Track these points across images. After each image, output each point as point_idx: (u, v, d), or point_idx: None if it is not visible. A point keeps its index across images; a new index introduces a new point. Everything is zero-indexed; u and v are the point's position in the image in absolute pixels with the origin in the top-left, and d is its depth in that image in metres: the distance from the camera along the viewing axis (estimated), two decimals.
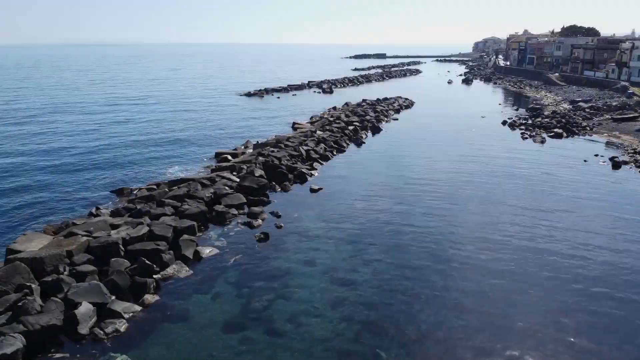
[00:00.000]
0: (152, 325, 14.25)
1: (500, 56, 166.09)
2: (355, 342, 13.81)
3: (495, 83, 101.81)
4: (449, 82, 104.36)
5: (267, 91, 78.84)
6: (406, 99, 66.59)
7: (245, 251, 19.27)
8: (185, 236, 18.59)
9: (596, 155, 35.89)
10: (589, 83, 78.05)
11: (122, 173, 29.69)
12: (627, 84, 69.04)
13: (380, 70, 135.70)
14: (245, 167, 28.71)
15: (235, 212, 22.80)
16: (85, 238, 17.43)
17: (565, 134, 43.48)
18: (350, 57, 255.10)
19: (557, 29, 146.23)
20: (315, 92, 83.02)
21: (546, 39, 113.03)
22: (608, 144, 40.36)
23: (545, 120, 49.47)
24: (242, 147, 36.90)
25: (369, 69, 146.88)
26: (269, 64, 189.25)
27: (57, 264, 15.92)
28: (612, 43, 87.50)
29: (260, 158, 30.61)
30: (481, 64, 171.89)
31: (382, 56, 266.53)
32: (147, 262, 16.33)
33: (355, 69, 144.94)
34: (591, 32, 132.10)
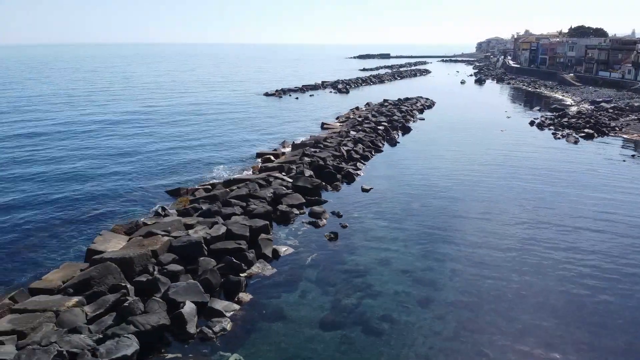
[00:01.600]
0: (252, 323, 14.31)
1: (509, 56, 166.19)
2: (456, 340, 13.87)
3: (508, 83, 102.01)
4: (462, 82, 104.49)
5: (284, 91, 78.92)
6: (427, 98, 66.72)
7: (319, 250, 19.34)
8: (263, 235, 18.65)
9: (632, 155, 36.09)
10: (605, 84, 78.25)
11: (171, 174, 29.68)
12: None
13: (390, 71, 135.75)
14: (294, 167, 28.75)
15: (297, 211, 22.86)
16: (166, 237, 17.47)
17: (596, 134, 43.57)
18: (354, 57, 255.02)
19: (564, 30, 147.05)
20: (331, 92, 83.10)
21: (558, 39, 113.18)
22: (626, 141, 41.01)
23: (572, 120, 49.59)
24: (281, 147, 36.97)
25: (377, 69, 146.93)
26: (273, 64, 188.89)
27: (146, 264, 15.97)
28: (627, 44, 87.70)
29: (306, 158, 30.66)
30: (489, 64, 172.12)
31: (386, 56, 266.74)
32: (235, 260, 16.39)
33: (364, 69, 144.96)
34: (599, 32, 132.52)
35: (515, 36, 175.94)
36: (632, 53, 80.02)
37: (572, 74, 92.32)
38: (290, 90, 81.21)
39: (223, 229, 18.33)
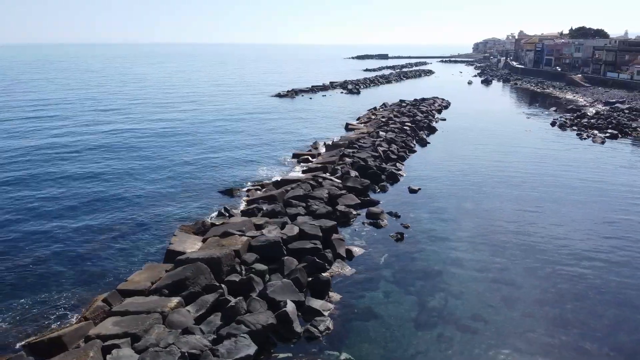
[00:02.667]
0: (349, 322, 14.46)
1: (510, 57, 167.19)
2: (551, 337, 14.09)
3: (515, 84, 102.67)
4: (469, 82, 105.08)
5: (296, 92, 79.03)
6: (443, 99, 67.13)
7: (388, 250, 19.50)
8: (335, 235, 18.79)
9: None
10: (615, 84, 79.08)
11: (217, 176, 29.48)
12: None
13: (394, 71, 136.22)
14: (338, 168, 28.89)
15: (354, 212, 23.01)
16: (245, 237, 17.56)
17: (619, 135, 44.07)
18: (353, 58, 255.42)
19: (565, 30, 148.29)
20: (341, 92, 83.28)
21: (562, 40, 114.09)
22: None
23: (593, 121, 50.11)
24: (313, 149, 37.08)
25: (379, 69, 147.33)
26: (277, 65, 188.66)
27: (232, 264, 16.06)
28: (634, 45, 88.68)
29: (347, 159, 30.83)
30: (490, 65, 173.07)
31: (384, 57, 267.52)
32: (317, 260, 16.52)
33: (367, 69, 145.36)
34: (600, 33, 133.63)
35: (511, 36, 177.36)
36: None
37: (580, 75, 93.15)
38: (301, 90, 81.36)
39: (296, 229, 18.45)
